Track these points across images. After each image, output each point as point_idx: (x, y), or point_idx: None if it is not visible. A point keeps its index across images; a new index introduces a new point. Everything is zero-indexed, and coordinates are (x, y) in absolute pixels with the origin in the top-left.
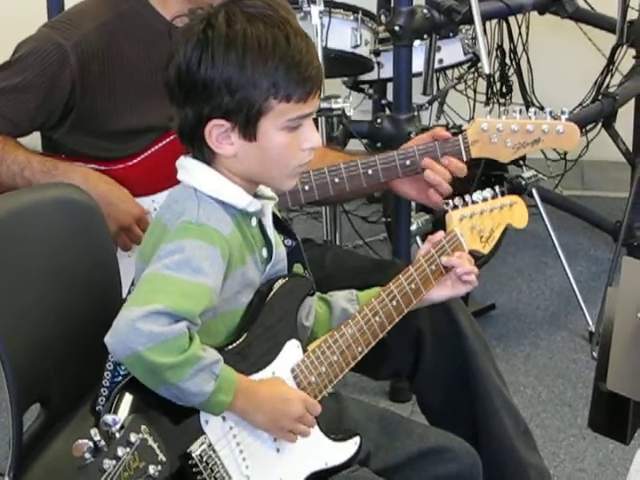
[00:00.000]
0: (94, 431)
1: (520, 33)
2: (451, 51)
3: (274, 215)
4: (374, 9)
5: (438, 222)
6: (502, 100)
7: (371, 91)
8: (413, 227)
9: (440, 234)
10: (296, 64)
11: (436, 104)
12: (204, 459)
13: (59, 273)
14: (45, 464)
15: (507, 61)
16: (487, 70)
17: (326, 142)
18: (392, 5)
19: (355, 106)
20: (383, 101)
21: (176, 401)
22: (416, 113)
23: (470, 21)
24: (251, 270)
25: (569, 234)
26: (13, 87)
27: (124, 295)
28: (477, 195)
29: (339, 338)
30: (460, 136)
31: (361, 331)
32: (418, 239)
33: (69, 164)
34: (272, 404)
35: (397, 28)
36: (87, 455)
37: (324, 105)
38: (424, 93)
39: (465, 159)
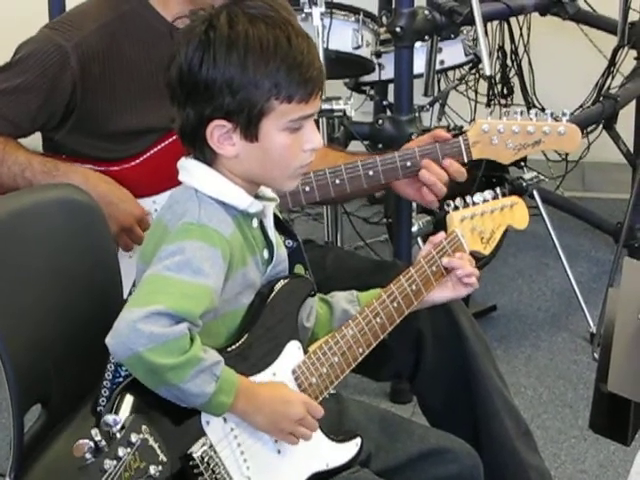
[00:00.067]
0: (95, 431)
1: (521, 34)
2: (452, 52)
3: (275, 216)
4: (375, 10)
5: (439, 223)
6: (503, 101)
7: (372, 92)
8: (414, 228)
9: (441, 235)
10: (298, 65)
11: (437, 105)
12: (205, 460)
13: (60, 273)
14: (46, 464)
15: (508, 62)
16: (488, 71)
17: (327, 143)
18: (393, 6)
19: (356, 107)
20: (384, 102)
21: (177, 402)
22: (417, 114)
23: (471, 22)
24: (252, 271)
25: (570, 235)
26: (14, 88)
27: (125, 296)
28: (478, 196)
29: (340, 339)
30: (461, 137)
31: (362, 332)
32: (419, 240)
33: (70, 165)
34: (272, 406)
35: (398, 29)
36: (88, 455)
37: (325, 106)
38: (425, 94)
39: (466, 160)
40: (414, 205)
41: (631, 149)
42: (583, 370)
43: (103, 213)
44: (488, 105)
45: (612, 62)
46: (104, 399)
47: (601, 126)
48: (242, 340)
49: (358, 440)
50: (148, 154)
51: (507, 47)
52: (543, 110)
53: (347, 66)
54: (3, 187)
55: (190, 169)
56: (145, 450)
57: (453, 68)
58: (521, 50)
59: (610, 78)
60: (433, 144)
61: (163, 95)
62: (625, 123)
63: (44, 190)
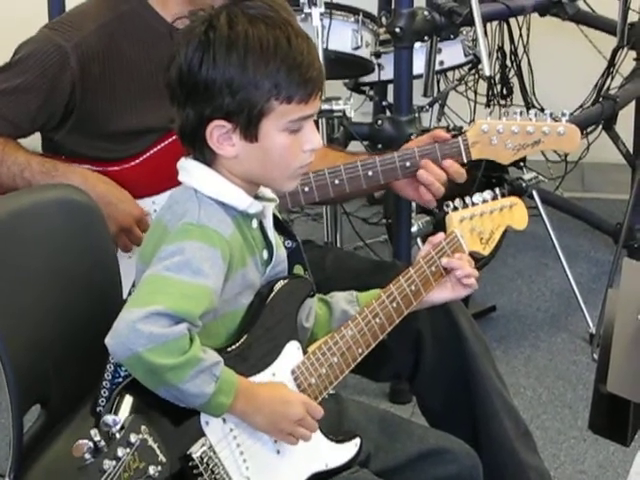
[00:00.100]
0: (94, 432)
1: (521, 35)
2: (452, 53)
3: (274, 216)
4: (375, 11)
5: (439, 224)
6: (503, 102)
7: (372, 93)
8: (414, 229)
9: (440, 235)
10: (297, 65)
11: (437, 106)
12: (204, 460)
13: (59, 274)
14: (45, 465)
15: (508, 63)
16: (488, 72)
17: (327, 143)
18: (393, 7)
19: (356, 108)
20: (384, 103)
21: (176, 402)
22: (417, 115)
23: (471, 23)
24: (251, 272)
25: (569, 236)
26: (14, 89)
27: (124, 296)
28: (477, 197)
29: (339, 340)
30: (460, 137)
31: (361, 332)
32: (419, 241)
33: (68, 165)
34: (272, 406)
35: (398, 30)
36: (87, 455)
37: (325, 107)
38: (425, 95)
39: (465, 160)
40: (413, 206)
41: (630, 150)
42: (582, 371)
43: (102, 213)
44: (487, 106)
45: (611, 63)
46: (103, 399)
47: (600, 127)
48: (241, 340)
49: (357, 440)
50: (147, 154)
51: (507, 48)
52: (543, 110)
53: (346, 66)
54: (2, 187)
55: (190, 169)
56: (144, 450)
57: (453, 69)
58: (521, 51)
59: (609, 79)
60: (432, 144)
61: (163, 95)
62: (624, 124)
63: (43, 190)
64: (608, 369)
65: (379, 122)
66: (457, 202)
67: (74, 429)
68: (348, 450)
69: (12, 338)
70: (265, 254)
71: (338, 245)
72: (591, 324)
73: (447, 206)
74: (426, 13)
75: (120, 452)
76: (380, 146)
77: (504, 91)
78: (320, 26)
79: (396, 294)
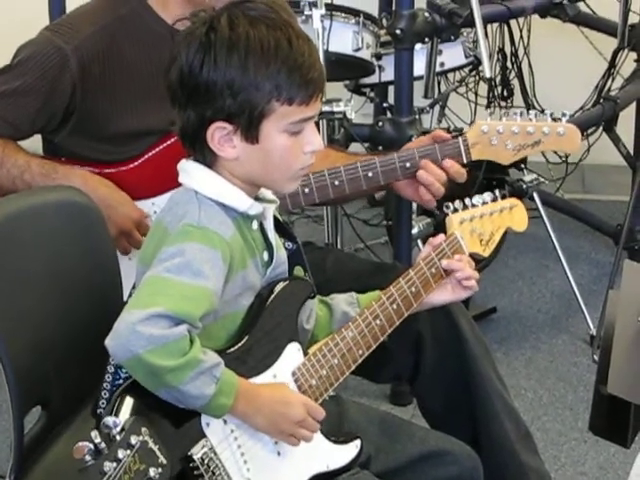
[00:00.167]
0: (94, 433)
1: (521, 36)
2: (452, 54)
3: (275, 218)
4: (375, 12)
5: (439, 225)
6: (503, 103)
7: (372, 94)
8: (414, 230)
9: (440, 237)
10: (298, 67)
11: (437, 107)
12: (205, 462)
13: (59, 276)
14: (46, 466)
15: (508, 64)
16: (488, 73)
17: (327, 144)
18: (393, 8)
19: (356, 109)
20: (384, 104)
21: (177, 404)
22: (417, 116)
23: (471, 24)
24: (252, 273)
25: (570, 237)
26: (13, 91)
27: (125, 298)
28: (477, 198)
29: (340, 341)
30: (460, 138)
31: (362, 334)
32: (419, 242)
33: (69, 167)
34: (272, 407)
35: (398, 31)
36: (88, 457)
37: (325, 108)
38: (425, 96)
39: (465, 161)
40: (414, 207)
41: (631, 151)
42: (583, 372)
43: (102, 215)
44: (488, 107)
45: (612, 64)
46: (104, 401)
47: (601, 128)
48: (242, 342)
49: (358, 442)
50: (147, 156)
51: (507, 49)
52: (543, 112)
53: (347, 68)
54: (2, 189)
55: (190, 171)
56: (145, 452)
57: (453, 70)
58: (521, 52)
59: (610, 80)
60: (432, 145)
61: (163, 97)
62: (625, 125)
63: (43, 192)
64: (609, 371)
65: (380, 124)
66: (457, 204)
67: (75, 431)
68: (349, 451)
69: (13, 340)
70: (265, 256)
71: (338, 247)
72: (592, 326)
73: (447, 208)
74: (427, 15)
75: (121, 454)
76: (381, 148)
77: (505, 93)
78: (321, 28)
79: (396, 296)
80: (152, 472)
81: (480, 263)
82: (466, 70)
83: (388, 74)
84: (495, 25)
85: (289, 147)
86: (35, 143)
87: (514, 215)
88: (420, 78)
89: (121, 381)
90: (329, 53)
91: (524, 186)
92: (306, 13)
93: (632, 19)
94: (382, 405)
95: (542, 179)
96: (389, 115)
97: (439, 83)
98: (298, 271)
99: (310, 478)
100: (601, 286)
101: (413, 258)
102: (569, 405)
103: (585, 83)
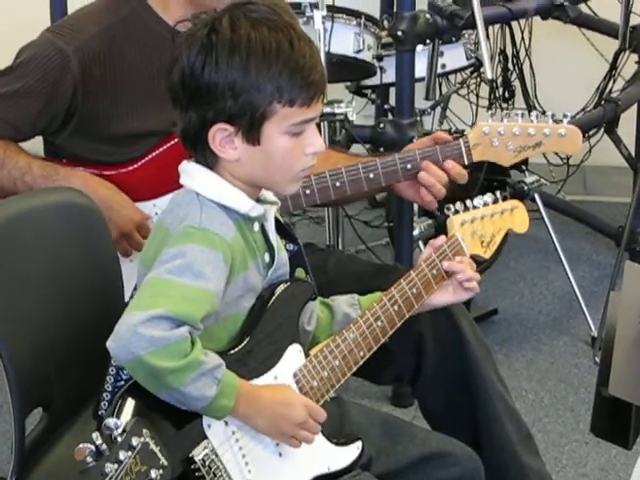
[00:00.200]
0: (96, 435)
1: (523, 38)
2: (454, 56)
3: (276, 219)
4: (377, 14)
5: (441, 227)
6: (505, 105)
7: (374, 96)
8: (415, 232)
9: (441, 238)
10: (300, 68)
11: (439, 109)
12: (207, 463)
13: (60, 277)
14: (47, 468)
15: (510, 66)
16: (490, 75)
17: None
18: (395, 10)
19: (358, 111)
20: (386, 106)
21: (178, 405)
22: (419, 118)
23: (473, 26)
24: (253, 275)
25: (571, 239)
26: (14, 92)
27: (126, 299)
28: (478, 200)
29: (341, 343)
30: (461, 139)
31: (363, 336)
32: (421, 244)
33: (69, 169)
34: (274, 409)
35: (400, 33)
36: (89, 459)
37: (327, 110)
38: (426, 98)
39: (466, 162)
40: (415, 209)
41: (632, 153)
42: (584, 374)
43: (104, 216)
44: (489, 109)
45: (613, 66)
46: (105, 403)
47: (602, 130)
48: (243, 344)
49: (359, 443)
50: (149, 157)
51: (509, 51)
52: (544, 113)
53: (348, 70)
54: (3, 191)
55: (192, 173)
56: (146, 454)
57: (454, 72)
58: (522, 54)
59: (611, 82)
60: (433, 146)
61: (164, 98)
62: (626, 127)
63: (44, 194)
64: (610, 372)
65: (381, 125)
66: (458, 205)
67: (76, 432)
68: (350, 453)
69: (14, 341)
70: (267, 257)
71: (340, 248)
72: (593, 327)
73: (448, 209)
74: (428, 16)
75: (122, 455)
76: (382, 149)
77: (506, 94)
78: (322, 29)
79: (397, 297)
80: (153, 474)
81: (481, 265)
82: (467, 72)
83: (389, 76)
84: (496, 27)
85: (290, 149)
86: (36, 145)
87: (515, 217)
88: (421, 80)
89: (122, 383)
90: (330, 55)
91: (525, 187)
92: (307, 15)
93: (633, 20)
94: (383, 407)
95: (543, 180)
96: (390, 117)
97: (440, 85)
98: (299, 273)
99: None
100: (602, 288)
101: (414, 260)
102: (570, 407)
103: (586, 85)
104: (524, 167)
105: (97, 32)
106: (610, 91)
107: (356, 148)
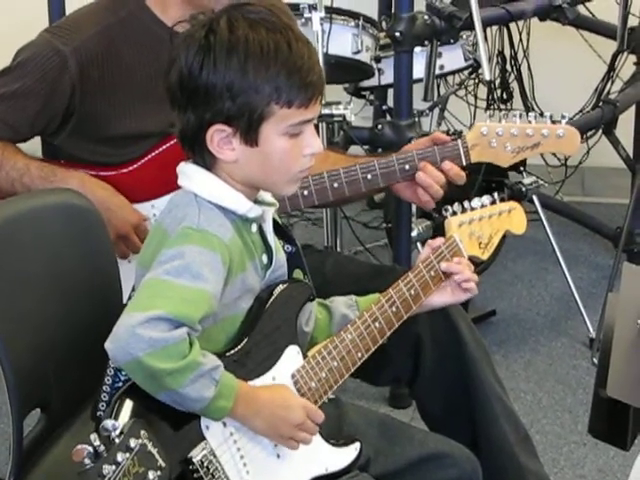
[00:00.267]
0: (94, 436)
1: (521, 39)
2: (452, 57)
3: (274, 221)
4: (375, 15)
5: (439, 228)
6: (503, 106)
7: (372, 97)
8: (414, 233)
9: (439, 240)
10: (298, 69)
11: (437, 110)
12: (205, 465)
13: (59, 278)
14: (45, 469)
15: (508, 67)
16: (488, 76)
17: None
18: (393, 11)
19: (356, 112)
20: (384, 107)
21: (176, 407)
22: (417, 119)
23: (471, 27)
24: (251, 276)
25: (569, 240)
26: (12, 93)
27: (125, 300)
28: (476, 201)
29: (339, 344)
30: (459, 140)
31: (361, 337)
32: (419, 245)
33: (67, 170)
34: (272, 410)
35: (398, 34)
36: (87, 460)
37: (325, 111)
38: (425, 99)
39: (464, 163)
40: (414, 210)
41: (630, 154)
42: (582, 375)
43: (102, 217)
44: (487, 110)
45: (611, 67)
46: (104, 404)
47: (600, 131)
48: (241, 345)
49: (357, 444)
50: (146, 158)
51: (507, 52)
52: (542, 114)
53: (347, 71)
54: (1, 192)
55: (190, 174)
56: (144, 455)
57: (453, 73)
58: (521, 55)
59: (609, 83)
60: (431, 147)
61: (162, 99)
62: (624, 128)
63: (43, 195)
64: (608, 373)
65: (379, 126)
66: (456, 207)
67: (74, 433)
68: (348, 454)
69: (13, 342)
70: (265, 258)
71: (338, 249)
72: (591, 328)
73: (446, 210)
74: (426, 17)
75: (119, 457)
76: (380, 150)
77: (504, 95)
78: (320, 30)
79: (395, 298)
80: (151, 475)
81: (479, 266)
82: (465, 73)
83: (387, 77)
84: (495, 28)
85: (288, 150)
86: (34, 146)
87: (513, 218)
88: (419, 81)
89: (120, 384)
90: (329, 56)
91: (523, 189)
92: (306, 16)
93: (631, 22)
94: (381, 408)
95: (541, 182)
96: (388, 118)
97: (438, 86)
98: (297, 274)
99: None
100: (600, 289)
101: (412, 261)
102: (568, 408)
103: (584, 86)
104: (522, 168)
105: (95, 33)
106: (608, 92)
107: (354, 149)
